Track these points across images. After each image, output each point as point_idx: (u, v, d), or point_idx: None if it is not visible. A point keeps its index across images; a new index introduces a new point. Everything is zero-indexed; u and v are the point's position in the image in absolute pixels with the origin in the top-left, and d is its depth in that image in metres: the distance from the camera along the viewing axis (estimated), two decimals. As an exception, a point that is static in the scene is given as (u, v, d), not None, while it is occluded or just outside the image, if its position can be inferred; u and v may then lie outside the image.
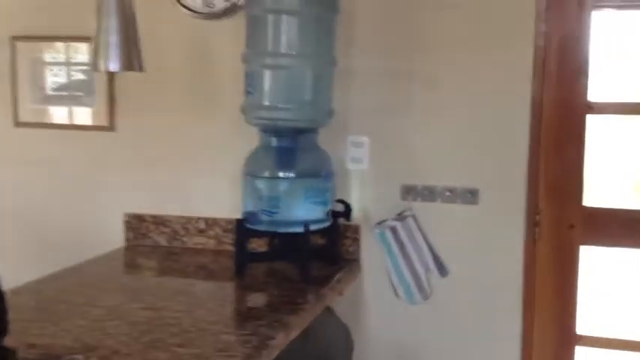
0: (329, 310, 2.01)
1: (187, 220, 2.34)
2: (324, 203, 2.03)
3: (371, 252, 2.16)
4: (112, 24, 1.80)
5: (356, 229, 2.19)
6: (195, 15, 2.26)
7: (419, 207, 2.13)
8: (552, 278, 2.10)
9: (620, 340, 2.17)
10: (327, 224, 2.04)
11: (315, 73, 1.98)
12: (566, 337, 2.11)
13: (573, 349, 2.12)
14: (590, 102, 2.03)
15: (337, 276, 2.01)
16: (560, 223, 2.08)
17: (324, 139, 2.08)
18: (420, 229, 2.12)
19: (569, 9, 2.02)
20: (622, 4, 2.13)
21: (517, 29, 2.03)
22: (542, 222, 2.08)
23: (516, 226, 2.08)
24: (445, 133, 2.11)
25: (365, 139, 2.17)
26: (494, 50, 2.04)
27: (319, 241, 2.10)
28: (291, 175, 1.97)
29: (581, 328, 2.12)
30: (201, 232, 2.33)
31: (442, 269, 2.13)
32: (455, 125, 2.10)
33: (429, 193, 2.14)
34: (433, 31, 2.09)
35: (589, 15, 2.01)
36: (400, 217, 2.10)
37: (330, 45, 2.04)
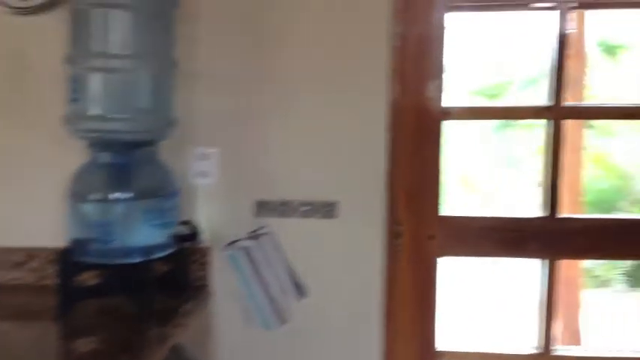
0: (177, 349, 1.78)
1: (0, 252, 2.00)
2: (167, 226, 1.80)
3: (223, 276, 1.97)
4: None
5: (205, 252, 1.98)
6: (8, 10, 1.96)
7: (275, 224, 1.98)
8: (414, 293, 2.03)
9: (478, 352, 2.15)
10: (170, 250, 1.81)
11: (152, 76, 1.75)
12: (427, 354, 2.05)
13: (434, 364, 2.07)
14: (445, 107, 1.98)
15: (184, 308, 1.79)
16: (421, 234, 2.01)
17: (165, 152, 1.86)
18: (276, 247, 1.97)
19: (424, 9, 1.95)
20: (475, 4, 2.10)
21: (372, 30, 1.94)
22: (404, 233, 1.99)
23: (377, 239, 1.99)
24: (301, 142, 1.97)
25: (213, 151, 1.97)
26: (350, 52, 1.94)
27: (162, 268, 1.86)
28: (127, 196, 1.72)
29: (442, 342, 2.08)
30: (17, 265, 1.99)
31: (301, 290, 1.99)
32: (311, 133, 1.97)
33: (285, 209, 1.98)
34: (286, 31, 1.95)
35: (443, 16, 1.96)
36: (254, 235, 1.94)
37: (170, 45, 1.82)
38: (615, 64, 6.31)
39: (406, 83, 1.96)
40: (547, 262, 1.99)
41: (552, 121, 1.95)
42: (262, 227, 1.97)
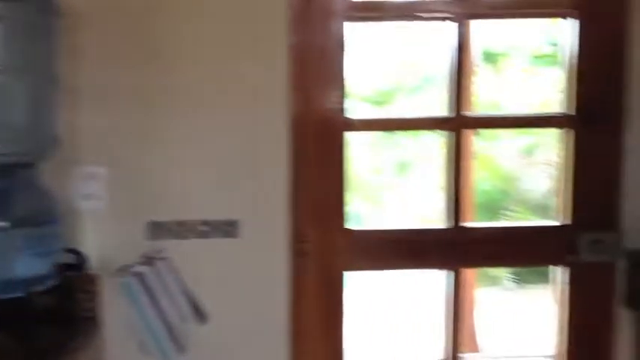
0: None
1: None
2: (50, 255, 1.65)
3: (114, 305, 1.82)
4: None
5: (93, 281, 1.83)
6: None
7: (171, 246, 1.86)
8: (321, 310, 1.98)
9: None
10: (54, 281, 1.66)
11: (30, 92, 1.61)
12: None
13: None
14: (348, 118, 1.93)
15: (72, 343, 1.66)
16: (327, 249, 1.95)
17: (47, 174, 1.71)
18: (173, 271, 1.85)
19: (322, 19, 1.90)
20: (372, 15, 2.07)
21: (269, 40, 1.88)
22: (309, 250, 1.93)
23: (281, 256, 1.92)
24: (197, 158, 1.88)
25: (101, 171, 1.84)
26: (247, 63, 1.87)
27: (47, 301, 1.70)
28: (3, 224, 1.56)
29: (351, 358, 2.03)
30: None
31: (200, 315, 1.89)
32: (208, 149, 1.88)
33: (181, 229, 1.88)
34: (178, 42, 1.86)
35: (342, 26, 1.91)
36: (148, 260, 1.82)
37: (50, 57, 1.68)
38: (496, 72, 6.58)
39: (307, 94, 1.90)
40: (452, 272, 1.98)
41: (453, 132, 1.95)
42: (157, 251, 1.85)
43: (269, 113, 1.89)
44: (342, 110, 1.92)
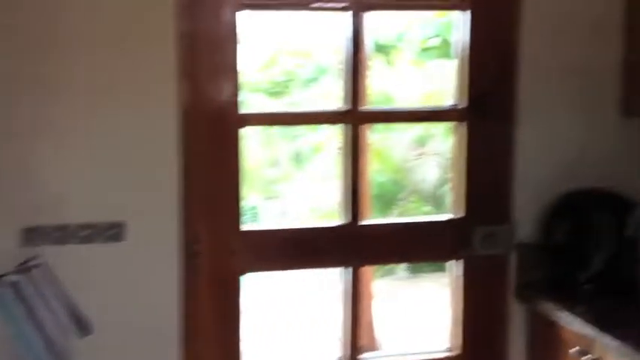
0: None
1: None
2: None
3: (-14, 320, 1.65)
4: None
5: (-39, 294, 1.64)
6: None
7: (49, 252, 1.73)
8: (216, 315, 1.90)
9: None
10: None
11: None
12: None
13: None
14: (243, 114, 1.85)
15: None
16: (221, 250, 1.87)
17: None
18: (51, 280, 1.71)
19: (213, 7, 1.81)
20: (266, 3, 1.99)
21: (155, 28, 1.77)
22: (202, 252, 1.84)
23: (172, 260, 1.83)
24: (77, 157, 1.76)
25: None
26: (130, 53, 1.76)
27: None
28: None
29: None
30: None
31: (84, 326, 1.77)
32: (89, 147, 1.77)
33: (61, 234, 1.76)
34: (56, 31, 1.72)
35: (234, 14, 1.82)
36: (24, 268, 1.68)
37: None
38: (388, 64, 6.66)
39: (199, 85, 1.80)
40: (350, 270, 1.94)
41: (350, 125, 1.90)
42: (33, 258, 1.72)
43: (157, 106, 1.78)
44: (235, 103, 1.84)
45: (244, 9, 1.88)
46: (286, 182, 6.75)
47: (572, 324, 1.79)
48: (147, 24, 1.75)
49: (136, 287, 1.81)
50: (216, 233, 1.85)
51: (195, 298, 1.85)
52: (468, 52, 1.94)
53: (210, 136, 1.83)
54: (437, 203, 6.13)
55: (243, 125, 1.86)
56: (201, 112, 1.81)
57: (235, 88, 1.83)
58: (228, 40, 1.81)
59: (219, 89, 1.82)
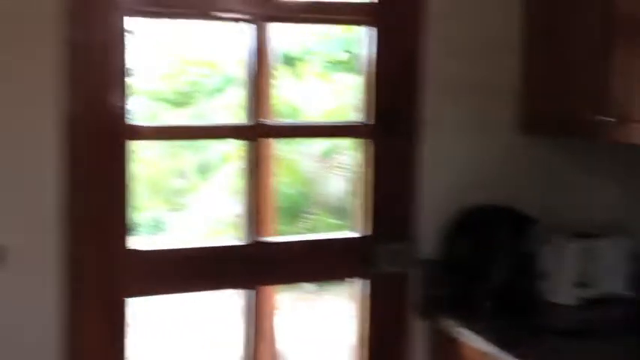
0: None
1: None
2: None
3: None
4: None
5: None
6: None
7: None
8: (101, 341, 1.74)
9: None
10: None
11: None
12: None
13: None
14: (133, 126, 1.73)
15: None
16: (107, 273, 1.73)
17: None
18: None
19: (101, 12, 1.67)
20: (160, 10, 1.87)
21: (39, 32, 1.62)
22: (86, 275, 1.70)
23: (53, 284, 1.68)
24: None
25: None
26: (10, 59, 1.60)
27: None
28: None
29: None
30: None
31: None
32: None
33: None
34: None
35: (122, 20, 1.69)
36: None
37: None
38: (295, 76, 6.61)
39: (85, 95, 1.66)
40: (252, 291, 1.86)
41: (252, 142, 1.82)
42: None
43: (38, 115, 1.64)
44: (124, 114, 1.71)
45: (139, 15, 1.77)
46: (192, 194, 6.54)
47: (473, 341, 1.78)
48: (24, 29, 1.61)
49: (13, 317, 1.64)
50: (101, 254, 1.71)
51: (79, 327, 1.70)
52: (374, 68, 1.91)
53: (97, 149, 1.69)
54: (341, 216, 6.11)
55: (132, 137, 1.72)
56: (87, 123, 1.67)
57: (123, 98, 1.70)
58: (116, 47, 1.68)
59: (106, 99, 1.68)
